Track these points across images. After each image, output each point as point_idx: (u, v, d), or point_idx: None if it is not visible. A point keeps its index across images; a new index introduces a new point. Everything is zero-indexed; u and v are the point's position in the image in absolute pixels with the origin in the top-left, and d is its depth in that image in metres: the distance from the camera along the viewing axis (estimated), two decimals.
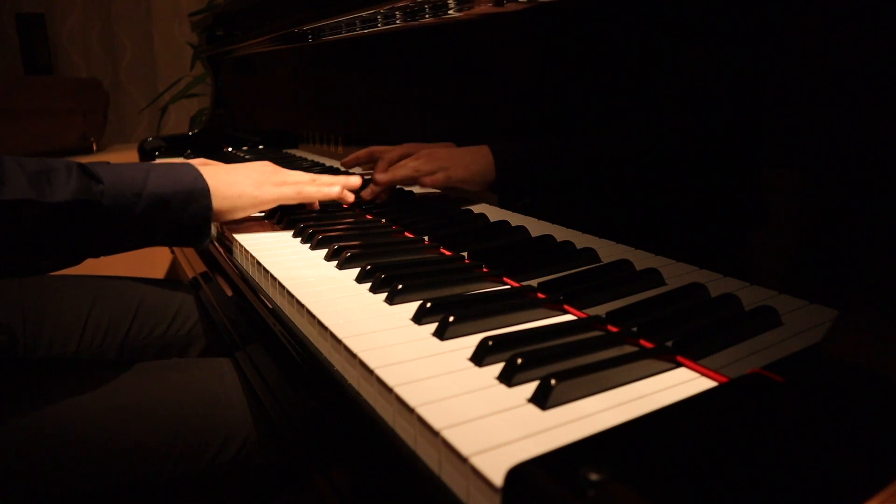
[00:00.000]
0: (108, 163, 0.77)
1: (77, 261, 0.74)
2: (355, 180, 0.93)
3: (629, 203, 0.63)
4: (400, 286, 0.60)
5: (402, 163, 0.92)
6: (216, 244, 0.93)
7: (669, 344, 0.47)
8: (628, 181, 0.63)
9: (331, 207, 1.01)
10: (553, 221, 0.72)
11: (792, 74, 0.48)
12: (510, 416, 0.40)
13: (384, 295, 0.61)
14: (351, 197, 0.93)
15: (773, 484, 0.29)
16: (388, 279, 0.63)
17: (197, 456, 0.73)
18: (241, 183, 0.83)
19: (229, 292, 0.83)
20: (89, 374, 0.76)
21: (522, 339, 0.49)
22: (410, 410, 0.41)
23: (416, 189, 0.97)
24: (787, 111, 0.49)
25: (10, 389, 0.74)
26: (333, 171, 1.24)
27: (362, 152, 1.10)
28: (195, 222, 0.79)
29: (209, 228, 0.80)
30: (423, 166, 0.87)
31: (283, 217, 0.92)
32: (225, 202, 0.81)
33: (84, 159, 0.75)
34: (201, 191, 0.78)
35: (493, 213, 0.81)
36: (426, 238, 0.81)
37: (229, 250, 0.87)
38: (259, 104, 1.77)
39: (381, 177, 0.92)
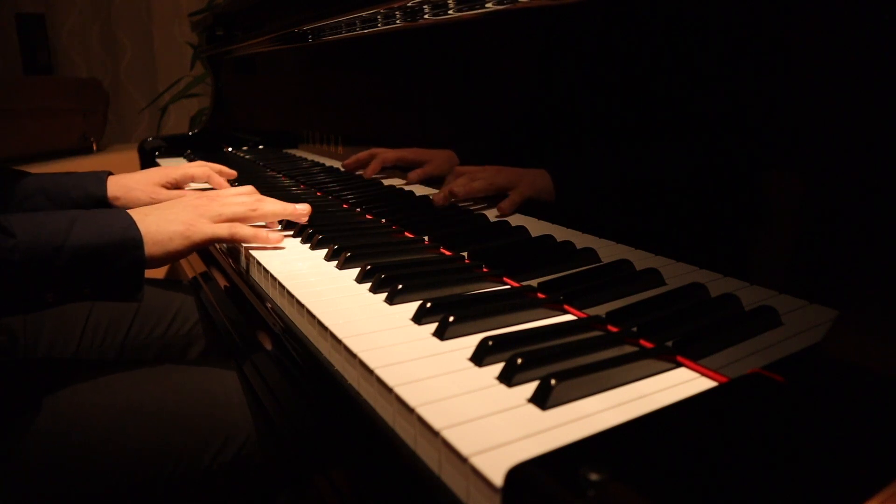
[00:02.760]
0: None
1: None
2: (302, 209, 0.86)
3: (629, 203, 0.63)
4: (400, 286, 0.60)
5: (473, 176, 0.85)
6: (216, 245, 0.93)
7: (669, 344, 0.48)
8: (628, 181, 0.63)
9: (330, 208, 1.01)
10: (553, 221, 0.72)
11: (792, 75, 0.48)
12: (510, 416, 0.40)
13: (384, 295, 0.61)
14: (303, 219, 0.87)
15: (773, 484, 0.29)
16: (388, 279, 0.63)
17: (197, 456, 0.73)
18: (172, 223, 0.75)
19: (229, 293, 0.83)
20: (89, 374, 0.76)
21: (522, 339, 0.49)
22: (410, 410, 0.41)
23: (416, 189, 0.97)
24: (787, 111, 0.49)
25: (10, 390, 0.74)
26: (334, 171, 1.24)
27: (363, 154, 1.10)
28: (126, 276, 0.70)
29: (142, 282, 0.72)
30: (496, 180, 0.81)
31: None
32: (156, 248, 0.73)
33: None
34: (132, 241, 0.70)
35: (493, 213, 0.81)
36: (426, 238, 0.81)
37: (229, 251, 0.87)
38: (259, 104, 1.77)
39: (459, 190, 0.85)
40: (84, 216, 0.69)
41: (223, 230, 0.78)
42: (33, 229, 0.65)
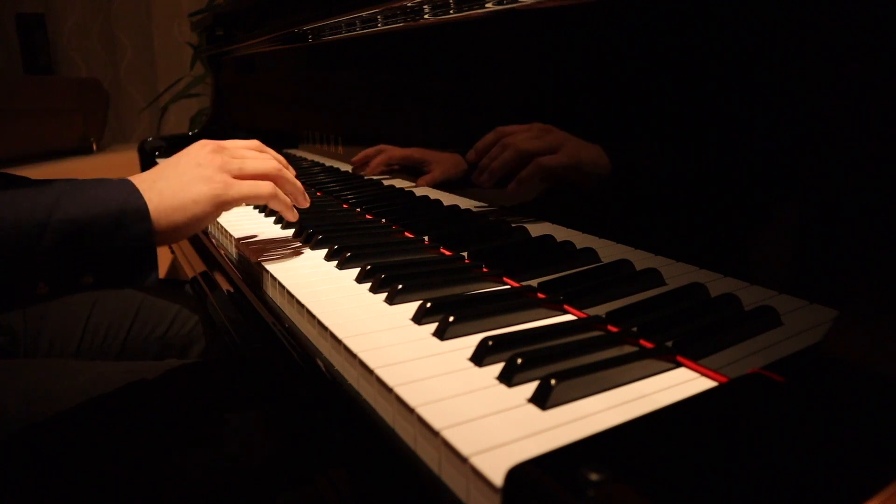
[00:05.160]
0: (16, 177, 0.55)
1: None
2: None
3: (629, 203, 0.63)
4: (400, 286, 0.60)
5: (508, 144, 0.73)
6: (216, 245, 0.93)
7: (669, 344, 0.47)
8: (628, 181, 0.63)
9: (330, 208, 1.01)
10: (553, 221, 0.72)
11: (791, 74, 0.48)
12: (510, 415, 0.40)
13: (384, 295, 0.61)
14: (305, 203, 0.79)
15: (773, 484, 0.29)
16: (388, 279, 0.63)
17: (198, 456, 0.73)
18: (192, 184, 0.63)
19: (229, 293, 0.83)
20: (89, 374, 0.76)
21: (522, 339, 0.49)
22: (410, 410, 0.41)
23: (415, 189, 0.97)
24: (787, 111, 0.49)
25: (9, 390, 0.75)
26: (333, 171, 1.24)
27: (371, 150, 1.10)
28: (131, 254, 0.59)
29: (153, 259, 0.60)
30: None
31: (282, 217, 0.92)
32: (177, 215, 0.61)
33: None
34: (135, 211, 0.58)
35: (493, 213, 0.81)
36: (426, 238, 0.81)
37: (229, 251, 0.87)
38: (259, 104, 1.77)
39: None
40: (77, 185, 0.58)
41: (265, 190, 0.69)
42: (11, 204, 0.54)
